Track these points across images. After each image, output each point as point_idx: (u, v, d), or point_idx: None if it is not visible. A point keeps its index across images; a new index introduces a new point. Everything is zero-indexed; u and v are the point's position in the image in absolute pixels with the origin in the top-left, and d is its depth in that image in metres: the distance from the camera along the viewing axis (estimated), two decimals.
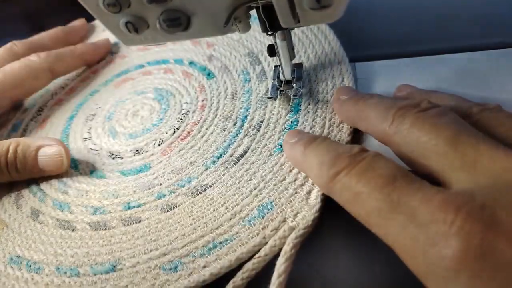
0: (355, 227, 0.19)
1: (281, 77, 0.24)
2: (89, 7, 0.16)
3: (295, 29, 0.27)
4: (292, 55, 0.22)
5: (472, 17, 0.26)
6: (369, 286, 0.18)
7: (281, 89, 0.24)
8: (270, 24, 0.19)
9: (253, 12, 0.19)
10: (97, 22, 0.38)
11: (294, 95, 0.23)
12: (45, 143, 0.25)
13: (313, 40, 0.27)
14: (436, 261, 0.12)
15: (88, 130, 0.29)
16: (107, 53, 0.35)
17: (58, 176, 0.26)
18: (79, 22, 0.37)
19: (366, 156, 0.16)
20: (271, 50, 0.22)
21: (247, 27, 0.18)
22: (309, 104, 0.23)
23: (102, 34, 0.36)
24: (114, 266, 0.20)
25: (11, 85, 0.30)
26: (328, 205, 0.19)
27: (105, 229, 0.22)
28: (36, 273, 0.21)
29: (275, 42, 0.21)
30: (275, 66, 0.25)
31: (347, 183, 0.16)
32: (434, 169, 0.15)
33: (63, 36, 0.35)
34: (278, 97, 0.24)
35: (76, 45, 0.34)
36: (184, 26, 0.16)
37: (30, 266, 0.21)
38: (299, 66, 0.24)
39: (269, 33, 0.20)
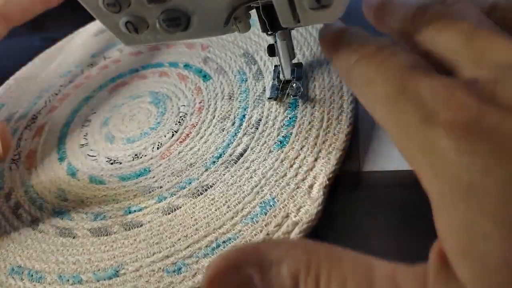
0: (355, 226, 0.19)
1: (281, 77, 0.24)
2: (89, 7, 0.16)
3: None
4: (292, 55, 0.22)
5: None
6: None
7: (281, 89, 0.24)
8: (270, 24, 0.19)
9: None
10: None
11: (294, 95, 0.23)
12: None
13: (308, 38, 0.27)
14: (428, 132, 0.12)
15: (85, 136, 0.28)
16: None
17: (57, 183, 0.26)
18: None
19: (391, 46, 0.16)
20: (271, 50, 0.22)
21: (247, 27, 0.18)
22: (307, 100, 0.24)
23: None
24: (117, 271, 0.20)
25: None
26: (329, 205, 0.19)
27: (107, 235, 0.22)
28: (38, 282, 0.21)
29: (275, 42, 0.21)
30: (275, 66, 0.25)
31: (366, 67, 0.15)
32: (448, 62, 0.15)
33: None
34: (278, 97, 0.24)
35: None
36: (184, 26, 0.16)
37: (32, 275, 0.21)
38: (299, 65, 0.25)
39: (269, 33, 0.20)
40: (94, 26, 0.37)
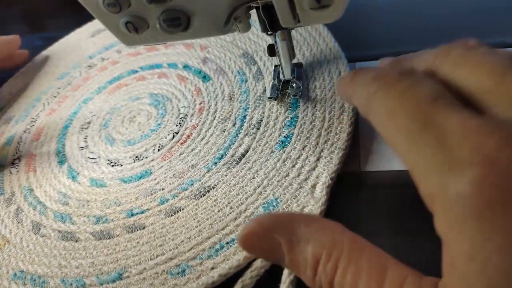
0: (354, 226, 0.19)
1: (281, 77, 0.24)
2: (89, 7, 0.16)
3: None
4: (292, 55, 0.22)
5: (472, 17, 0.26)
6: None
7: (281, 88, 0.24)
8: (270, 24, 0.19)
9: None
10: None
11: (294, 95, 0.23)
12: None
13: (308, 38, 0.27)
14: (451, 183, 0.11)
15: (85, 138, 0.28)
16: (16, 48, 0.34)
17: (58, 187, 0.25)
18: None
19: (415, 73, 0.15)
20: (271, 50, 0.22)
21: (247, 27, 0.18)
22: (307, 100, 0.24)
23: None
24: (121, 274, 0.20)
25: None
26: (329, 206, 0.19)
27: (109, 238, 0.21)
28: (41, 287, 0.20)
29: (275, 42, 0.21)
30: (275, 66, 0.25)
31: (385, 98, 0.14)
32: (477, 101, 0.13)
33: None
34: (278, 97, 0.24)
35: None
36: (184, 26, 0.16)
37: (35, 280, 0.21)
38: (299, 65, 0.25)
39: (269, 33, 0.20)
40: (91, 26, 0.37)
